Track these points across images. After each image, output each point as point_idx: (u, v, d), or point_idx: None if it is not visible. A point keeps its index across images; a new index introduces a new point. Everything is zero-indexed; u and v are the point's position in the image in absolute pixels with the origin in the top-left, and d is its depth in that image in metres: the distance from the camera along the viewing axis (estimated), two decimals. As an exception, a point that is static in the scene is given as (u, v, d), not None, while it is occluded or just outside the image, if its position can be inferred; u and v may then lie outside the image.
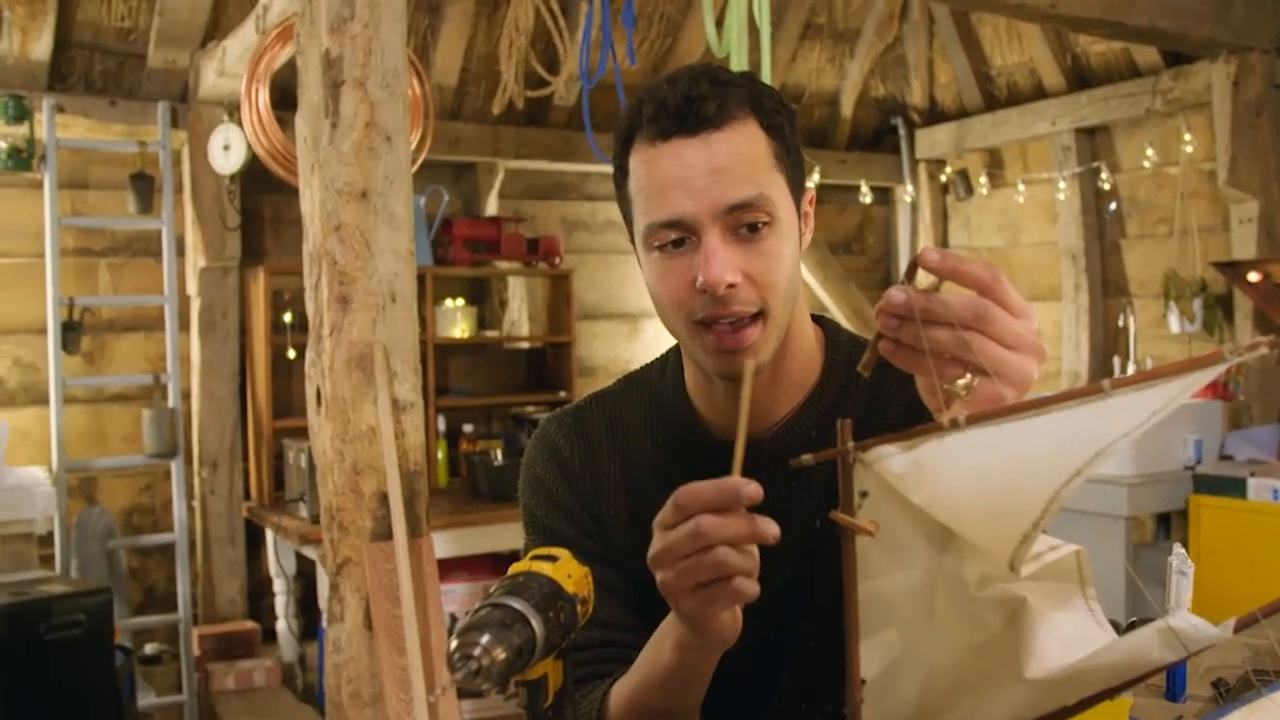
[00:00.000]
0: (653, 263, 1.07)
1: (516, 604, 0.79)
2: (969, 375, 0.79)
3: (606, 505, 1.20)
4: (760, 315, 1.04)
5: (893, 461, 0.75)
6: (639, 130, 1.06)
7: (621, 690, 1.06)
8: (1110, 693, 0.73)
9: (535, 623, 0.78)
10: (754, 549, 0.83)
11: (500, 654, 0.75)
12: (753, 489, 0.81)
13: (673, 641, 0.96)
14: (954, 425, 0.70)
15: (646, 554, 1.18)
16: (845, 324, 1.25)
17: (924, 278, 0.81)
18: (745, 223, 1.02)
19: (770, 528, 0.81)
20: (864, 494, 0.77)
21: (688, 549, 0.83)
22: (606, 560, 1.16)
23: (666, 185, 1.02)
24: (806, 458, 0.81)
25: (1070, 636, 0.76)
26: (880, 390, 1.13)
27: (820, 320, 1.24)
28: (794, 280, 1.07)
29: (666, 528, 0.85)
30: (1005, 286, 0.79)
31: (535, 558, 0.86)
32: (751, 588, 0.83)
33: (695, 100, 1.02)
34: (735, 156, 1.02)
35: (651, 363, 1.28)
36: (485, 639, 0.75)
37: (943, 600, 0.80)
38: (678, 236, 1.03)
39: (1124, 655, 0.71)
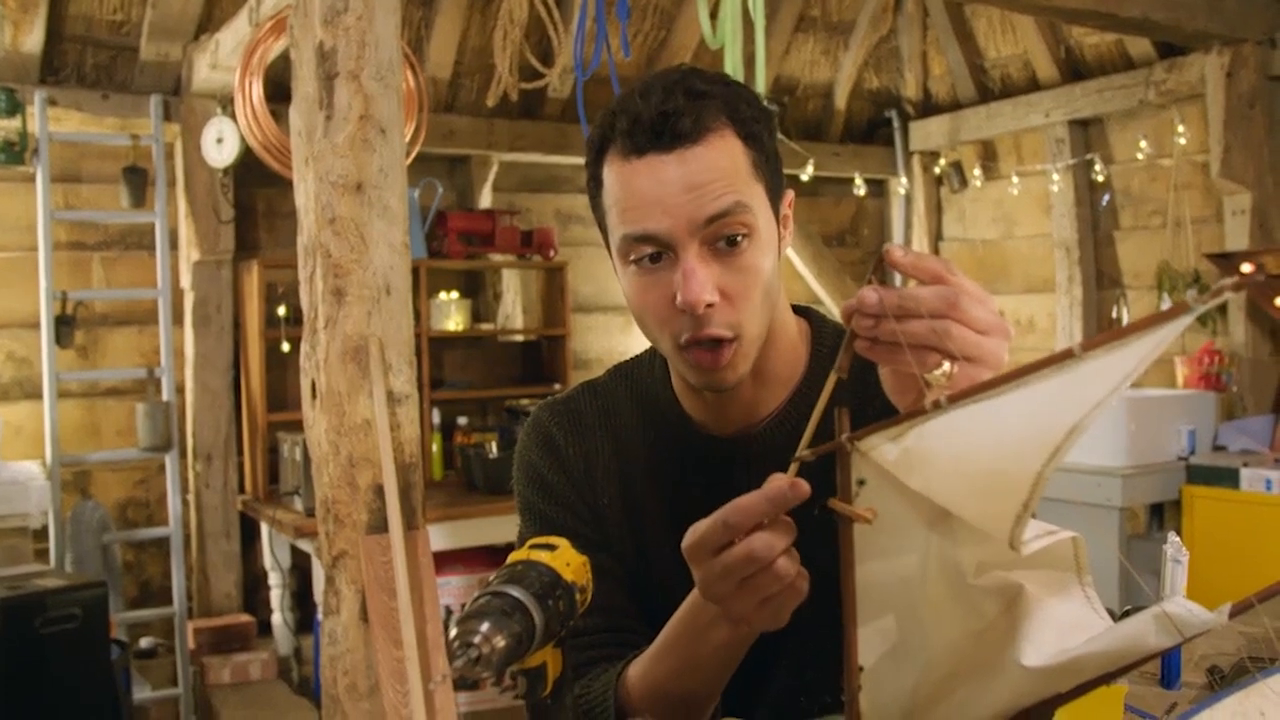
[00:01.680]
0: (631, 277, 1.06)
1: (516, 592, 0.79)
2: (947, 364, 0.80)
3: (601, 493, 1.20)
4: (740, 336, 1.04)
5: (885, 450, 0.75)
6: (612, 143, 1.04)
7: (645, 676, 1.05)
8: (1106, 679, 0.74)
9: (534, 611, 0.79)
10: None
11: (500, 642, 0.75)
12: (802, 488, 0.81)
13: (722, 631, 0.96)
14: (936, 407, 0.70)
15: (639, 541, 1.18)
16: (838, 315, 1.25)
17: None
18: (724, 236, 1.01)
19: (796, 488, 0.82)
20: (861, 481, 0.77)
21: (746, 571, 0.84)
22: (603, 547, 1.16)
23: (643, 201, 1.01)
24: (806, 453, 0.81)
25: (1067, 624, 0.76)
26: (867, 379, 1.14)
27: (805, 311, 1.23)
28: (772, 289, 1.07)
29: (716, 548, 0.85)
30: (960, 275, 0.81)
31: (534, 546, 0.86)
32: (805, 582, 0.86)
33: (670, 115, 1.00)
34: (713, 171, 1.00)
35: (640, 355, 1.28)
36: (485, 627, 0.75)
37: (940, 588, 0.80)
38: (654, 251, 1.02)
39: (1120, 641, 0.71)
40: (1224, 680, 1.19)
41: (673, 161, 1.00)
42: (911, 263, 0.81)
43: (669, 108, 1.00)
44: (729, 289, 1.02)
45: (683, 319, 1.02)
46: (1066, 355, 0.63)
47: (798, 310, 1.22)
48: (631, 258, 1.04)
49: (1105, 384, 0.62)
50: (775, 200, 1.08)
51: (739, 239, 1.02)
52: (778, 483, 0.82)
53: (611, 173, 1.05)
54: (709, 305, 1.00)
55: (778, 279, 1.09)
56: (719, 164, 1.01)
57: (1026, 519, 0.69)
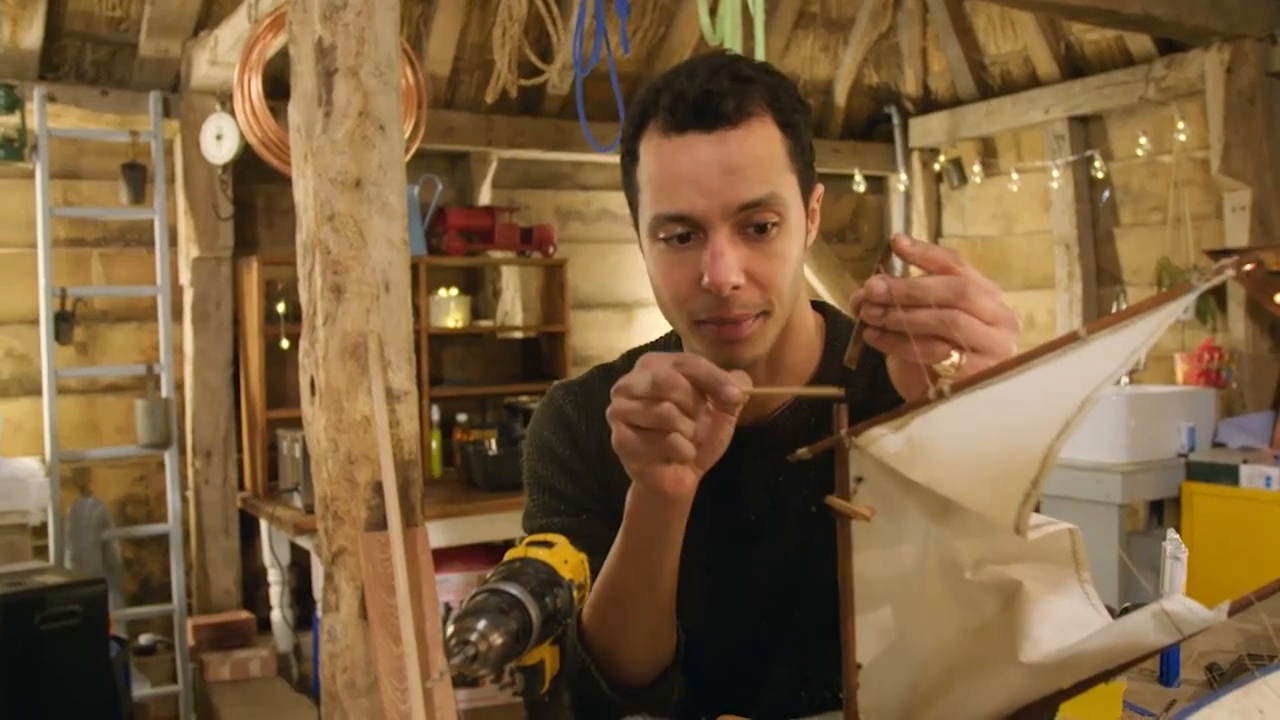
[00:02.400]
0: (657, 254, 1.06)
1: (513, 589, 0.79)
2: (955, 354, 0.80)
3: (612, 471, 1.20)
4: (763, 314, 1.04)
5: (887, 442, 0.75)
6: (653, 118, 1.04)
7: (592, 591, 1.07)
8: (1105, 676, 0.74)
9: (531, 608, 0.78)
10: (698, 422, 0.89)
11: (497, 639, 0.75)
12: (731, 391, 0.85)
13: (629, 502, 0.99)
14: (940, 396, 0.70)
15: None
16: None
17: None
18: (755, 222, 1.02)
19: (731, 388, 0.86)
20: (859, 479, 0.77)
21: (641, 395, 0.88)
22: (611, 520, 1.16)
23: (678, 180, 1.02)
24: (803, 451, 0.81)
25: (1065, 620, 0.76)
26: (879, 374, 1.14)
27: (821, 307, 1.24)
28: (798, 278, 1.08)
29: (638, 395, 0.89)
30: (968, 266, 0.82)
31: (531, 544, 0.86)
32: (686, 446, 0.88)
33: (714, 96, 1.00)
34: (750, 157, 1.01)
35: (655, 341, 1.29)
36: (482, 624, 0.75)
37: (938, 585, 0.80)
38: (685, 231, 1.03)
39: (1119, 638, 0.71)
40: (1223, 678, 1.19)
41: (712, 142, 1.01)
42: (920, 253, 0.81)
43: (714, 88, 1.01)
44: (757, 272, 1.03)
45: (703, 298, 1.03)
46: (1072, 338, 0.63)
47: (815, 305, 1.23)
48: (661, 235, 1.05)
49: (1112, 361, 0.63)
50: (806, 192, 1.09)
51: (770, 226, 1.02)
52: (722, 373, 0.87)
53: (649, 148, 1.05)
54: (735, 287, 1.01)
55: (802, 271, 1.10)
56: (757, 150, 1.02)
57: (1034, 500, 0.69)
